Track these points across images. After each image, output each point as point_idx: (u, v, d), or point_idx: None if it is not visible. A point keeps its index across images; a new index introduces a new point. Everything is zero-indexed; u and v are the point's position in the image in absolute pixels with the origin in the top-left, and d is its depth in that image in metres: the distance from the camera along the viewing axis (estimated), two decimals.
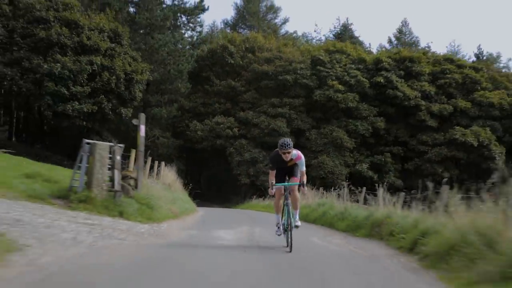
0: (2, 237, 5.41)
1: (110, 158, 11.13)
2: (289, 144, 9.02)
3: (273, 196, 9.64)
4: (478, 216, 6.06)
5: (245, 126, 47.87)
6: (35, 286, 4.39)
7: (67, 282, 4.81)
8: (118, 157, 11.23)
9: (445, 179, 10.76)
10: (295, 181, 9.50)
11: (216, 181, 51.80)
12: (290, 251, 8.52)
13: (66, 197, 10.66)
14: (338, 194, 17.00)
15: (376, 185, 12.75)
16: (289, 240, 8.94)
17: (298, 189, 9.54)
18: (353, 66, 50.11)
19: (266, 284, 5.28)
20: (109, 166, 11.08)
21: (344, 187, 15.83)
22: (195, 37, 57.84)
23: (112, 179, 10.93)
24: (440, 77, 51.15)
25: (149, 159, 19.47)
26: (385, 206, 11.48)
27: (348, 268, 6.63)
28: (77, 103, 41.16)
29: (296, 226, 9.27)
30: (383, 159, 46.83)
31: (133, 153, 13.74)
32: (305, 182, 9.49)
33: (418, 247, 7.27)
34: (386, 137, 49.45)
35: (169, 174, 20.09)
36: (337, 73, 48.99)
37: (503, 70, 67.74)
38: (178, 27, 56.09)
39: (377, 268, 6.71)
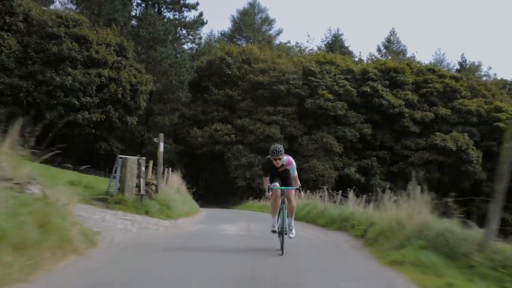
0: (82, 227, 8.10)
1: (137, 168, 13.91)
2: (280, 151, 9.04)
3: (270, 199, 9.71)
4: (401, 210, 8.91)
5: (241, 133, 49.46)
6: (124, 251, 7.09)
7: (140, 248, 7.59)
8: (143, 168, 13.91)
9: (388, 186, 12.89)
10: (292, 188, 9.48)
11: (214, 184, 53.83)
12: (282, 254, 8.60)
13: (104, 199, 13.25)
14: (320, 196, 19.78)
15: (364, 187, 15.25)
16: (282, 243, 8.93)
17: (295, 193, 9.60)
18: (342, 76, 52.07)
19: (257, 250, 8.29)
20: (136, 175, 13.85)
21: (324, 190, 18.63)
22: (195, 49, 59.93)
23: (138, 185, 13.63)
24: (423, 86, 53.13)
25: (161, 167, 22.18)
26: (353, 206, 14.30)
27: (314, 247, 9.45)
28: (86, 112, 43.53)
29: (290, 237, 9.32)
30: (369, 163, 48.79)
31: (150, 163, 16.38)
32: (299, 186, 9.42)
33: (366, 234, 10.07)
34: (373, 142, 51.24)
35: (175, 178, 22.71)
36: (327, 83, 50.77)
37: (484, 78, 70.11)
38: (178, 39, 58.13)
39: (333, 247, 9.69)
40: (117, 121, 45.25)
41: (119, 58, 47.19)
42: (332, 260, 7.75)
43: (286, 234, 8.99)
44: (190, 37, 59.95)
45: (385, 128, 52.08)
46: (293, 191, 9.37)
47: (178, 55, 54.38)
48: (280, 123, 49.73)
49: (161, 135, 15.53)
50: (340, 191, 18.36)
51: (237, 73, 53.89)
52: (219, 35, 76.50)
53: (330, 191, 18.61)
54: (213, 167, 52.05)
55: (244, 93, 53.37)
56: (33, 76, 42.83)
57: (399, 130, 51.37)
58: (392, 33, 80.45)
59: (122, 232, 9.06)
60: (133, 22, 56.18)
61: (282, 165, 9.20)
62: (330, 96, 50.05)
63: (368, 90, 51.03)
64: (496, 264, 5.74)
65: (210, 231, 11.85)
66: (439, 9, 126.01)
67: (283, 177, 9.43)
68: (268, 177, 9.37)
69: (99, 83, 44.28)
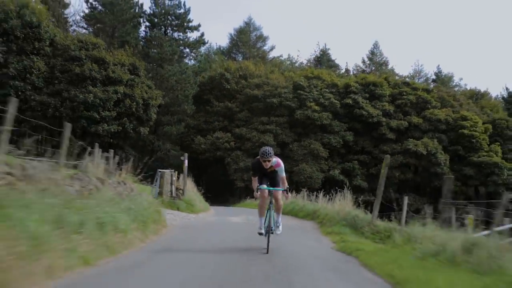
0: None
1: (170, 178, 18.95)
2: (270, 153, 9.10)
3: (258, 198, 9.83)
4: (339, 205, 14.06)
5: (239, 140, 52.37)
6: (182, 228, 12.03)
7: (188, 227, 12.51)
8: (174, 178, 18.96)
9: (347, 186, 17.90)
10: (279, 189, 9.57)
11: (215, 185, 56.70)
12: (267, 253, 8.93)
13: None
14: (302, 196, 24.75)
15: (345, 186, 18.99)
16: (268, 242, 9.15)
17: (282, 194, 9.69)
18: (327, 90, 54.78)
19: (252, 230, 12.90)
20: (170, 183, 18.89)
21: (304, 192, 23.64)
22: (197, 66, 62.50)
23: (171, 190, 18.67)
24: (398, 98, 56.38)
25: (175, 173, 26.94)
26: (321, 203, 19.38)
27: (291, 229, 14.10)
28: (106, 125, 46.46)
29: (277, 233, 9.69)
30: (352, 166, 52.00)
31: (175, 173, 21.37)
32: (286, 187, 9.58)
33: (324, 222, 15.12)
34: (354, 147, 54.20)
35: (189, 183, 27.52)
36: (314, 96, 53.67)
37: (456, 88, 73.77)
38: (183, 57, 60.28)
39: (302, 229, 14.60)
40: (132, 131, 48.03)
41: (132, 76, 49.79)
42: (298, 234, 12.71)
43: (272, 233, 9.36)
44: (193, 55, 62.11)
45: (365, 135, 54.91)
46: (280, 192, 9.54)
47: (183, 73, 55.84)
48: (273, 132, 52.46)
49: (186, 155, 20.36)
50: (315, 192, 23.20)
51: (235, 87, 56.45)
52: (218, 48, 77.87)
53: (309, 192, 23.45)
54: (214, 170, 55.01)
55: (242, 105, 56.19)
56: (59, 93, 45.84)
57: (377, 137, 54.35)
58: (375, 45, 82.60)
59: (172, 220, 13.99)
60: (142, 42, 58.37)
61: (271, 166, 9.35)
62: (316, 107, 52.95)
63: (350, 102, 54.15)
64: (374, 231, 10.94)
65: (222, 221, 16.78)
66: (419, 23, 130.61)
67: (271, 178, 9.60)
68: (257, 177, 9.52)
69: (116, 99, 47.14)
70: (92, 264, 6.34)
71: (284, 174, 9.44)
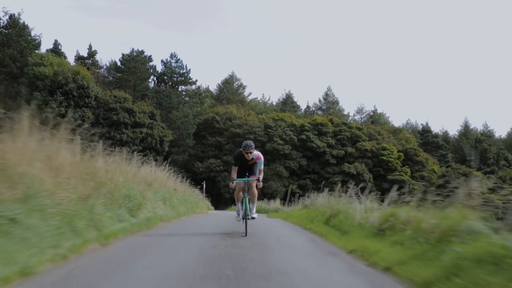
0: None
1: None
2: (251, 146, 9.01)
3: (234, 189, 9.42)
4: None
5: (226, 165, 60.04)
6: (212, 215, 25.12)
7: (212, 214, 25.57)
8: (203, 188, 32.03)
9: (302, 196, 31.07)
10: (253, 177, 9.26)
11: (209, 196, 68.14)
12: (246, 235, 8.79)
13: None
14: (270, 202, 37.58)
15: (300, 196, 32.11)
16: (246, 227, 9.02)
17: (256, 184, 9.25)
18: (288, 128, 64.60)
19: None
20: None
21: (275, 199, 36.63)
22: (196, 110, 69.75)
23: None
24: (338, 134, 66.08)
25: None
26: (281, 206, 32.43)
27: (262, 221, 27.38)
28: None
29: (253, 218, 9.38)
30: (305, 182, 61.65)
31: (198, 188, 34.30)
32: (261, 178, 9.28)
33: (288, 218, 28.24)
34: (307, 169, 63.92)
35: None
36: (279, 133, 63.67)
37: (390, 122, 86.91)
38: (186, 103, 69.08)
39: (271, 219, 27.71)
40: (153, 160, 59.20)
41: (151, 120, 59.60)
42: (270, 221, 25.65)
43: (249, 218, 9.16)
44: (193, 101, 70.01)
45: (315, 161, 64.06)
46: (254, 182, 9.23)
47: (186, 116, 64.44)
48: None
49: (204, 182, 33.17)
50: (286, 200, 35.69)
51: (223, 126, 65.14)
52: (207, 87, 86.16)
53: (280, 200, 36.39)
54: (208, 185, 66.31)
55: (228, 139, 64.03)
56: (103, 135, 57.02)
57: (323, 162, 63.87)
58: (329, 89, 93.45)
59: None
60: (156, 95, 66.79)
61: (252, 158, 9.21)
62: (280, 141, 62.68)
63: (304, 137, 63.92)
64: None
65: (223, 214, 29.52)
66: (362, 71, 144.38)
67: (250, 169, 9.41)
68: (237, 168, 9.34)
69: (141, 137, 57.67)
70: (180, 218, 19.30)
71: (262, 167, 9.30)
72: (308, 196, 24.36)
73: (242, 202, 9.41)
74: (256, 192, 9.44)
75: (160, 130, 60.56)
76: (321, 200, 16.95)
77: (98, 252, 6.22)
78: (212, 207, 37.70)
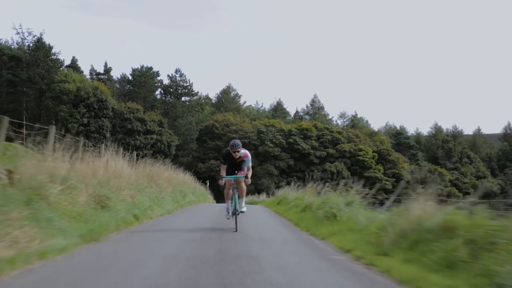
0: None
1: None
2: (238, 145, 8.83)
3: (224, 186, 9.24)
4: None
5: None
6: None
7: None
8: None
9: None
10: (242, 174, 9.16)
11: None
12: (236, 231, 8.73)
13: None
14: (260, 196, 43.63)
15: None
16: (236, 222, 8.91)
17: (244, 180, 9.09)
18: (278, 133, 68.72)
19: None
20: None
21: (262, 193, 42.73)
22: (198, 117, 75.52)
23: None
24: (321, 137, 70.49)
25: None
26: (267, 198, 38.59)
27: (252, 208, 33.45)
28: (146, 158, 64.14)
29: (242, 211, 9.29)
30: (292, 180, 66.74)
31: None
32: (250, 175, 9.13)
33: (265, 204, 34.38)
34: (294, 168, 67.48)
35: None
36: (270, 137, 67.97)
37: (370, 125, 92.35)
38: (190, 112, 74.51)
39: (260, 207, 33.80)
40: (161, 162, 64.91)
41: (160, 128, 64.58)
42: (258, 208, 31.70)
43: (238, 214, 9.04)
44: (196, 109, 75.04)
45: (301, 161, 68.35)
46: (242, 178, 9.12)
47: (189, 123, 69.79)
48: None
49: (208, 180, 39.14)
50: (270, 194, 41.84)
51: (221, 131, 68.39)
52: (207, 95, 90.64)
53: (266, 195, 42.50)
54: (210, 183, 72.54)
55: (226, 143, 62.18)
56: (119, 141, 60.20)
57: (308, 162, 68.16)
58: (315, 96, 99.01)
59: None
60: (163, 105, 72.31)
61: (240, 157, 9.06)
62: (271, 145, 67.35)
63: (291, 141, 68.51)
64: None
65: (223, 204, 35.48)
66: (346, 77, 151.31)
67: (239, 166, 9.28)
68: (226, 166, 9.16)
69: (152, 143, 62.66)
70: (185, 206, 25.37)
71: (250, 164, 9.21)
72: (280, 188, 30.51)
73: (232, 200, 9.25)
74: (245, 187, 9.30)
75: (168, 136, 65.85)
76: (281, 192, 23.47)
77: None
78: (214, 201, 43.45)
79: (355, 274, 5.40)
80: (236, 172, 9.33)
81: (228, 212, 9.39)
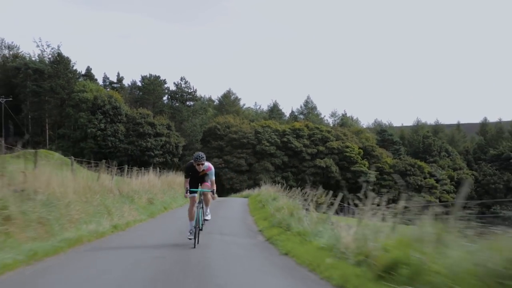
0: None
1: None
2: (202, 157, 8.35)
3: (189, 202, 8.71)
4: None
5: (226, 163, 69.16)
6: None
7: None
8: None
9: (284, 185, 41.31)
10: (206, 186, 8.69)
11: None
12: (194, 247, 8.20)
13: None
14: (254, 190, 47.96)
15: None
16: (198, 237, 8.43)
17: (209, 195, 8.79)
18: (273, 133, 72.49)
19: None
20: None
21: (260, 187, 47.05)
22: (201, 119, 79.52)
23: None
24: (312, 136, 73.99)
25: None
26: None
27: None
28: (157, 158, 65.55)
29: (206, 219, 8.89)
30: (287, 174, 70.14)
31: None
32: (214, 189, 8.70)
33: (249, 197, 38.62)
34: (288, 164, 71.91)
35: None
36: (266, 137, 71.72)
37: (360, 123, 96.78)
38: (194, 115, 78.70)
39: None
40: (170, 161, 66.92)
41: (168, 131, 68.50)
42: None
43: (201, 230, 8.56)
44: (199, 113, 79.31)
45: (294, 158, 72.50)
46: (208, 193, 8.69)
47: (194, 126, 74.10)
48: (244, 158, 70.24)
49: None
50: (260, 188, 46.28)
51: (223, 133, 72.01)
52: (209, 98, 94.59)
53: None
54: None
55: (227, 143, 71.76)
56: (133, 143, 64.90)
57: (300, 158, 71.97)
58: (308, 97, 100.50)
59: None
60: (170, 110, 76.26)
61: (203, 170, 8.54)
62: (267, 144, 71.12)
63: (286, 140, 72.44)
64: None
65: (226, 198, 39.48)
66: (337, 78, 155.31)
67: (202, 180, 8.77)
68: (189, 179, 8.59)
69: (161, 144, 66.37)
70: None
71: (213, 178, 8.69)
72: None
73: (195, 218, 8.56)
74: (210, 198, 8.86)
75: (175, 138, 70.06)
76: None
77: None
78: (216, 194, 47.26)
79: None
80: (200, 185, 8.86)
81: (191, 233, 8.60)
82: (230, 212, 19.44)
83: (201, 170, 8.58)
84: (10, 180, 8.47)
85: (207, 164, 8.74)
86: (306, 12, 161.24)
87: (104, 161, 16.47)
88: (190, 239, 8.51)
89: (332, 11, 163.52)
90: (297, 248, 8.64)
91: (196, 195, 8.63)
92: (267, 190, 28.54)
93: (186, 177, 8.78)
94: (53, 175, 10.34)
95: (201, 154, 8.62)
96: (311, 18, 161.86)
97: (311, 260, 7.04)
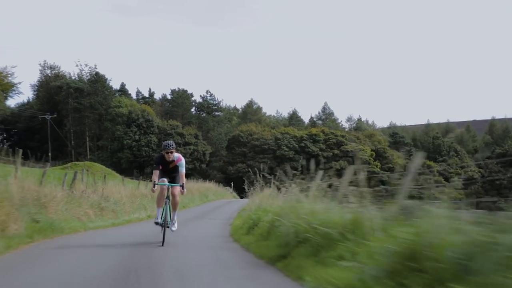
0: None
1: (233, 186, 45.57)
2: (171, 145, 7.76)
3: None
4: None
5: (249, 168, 73.03)
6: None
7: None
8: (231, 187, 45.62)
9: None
10: (177, 184, 7.80)
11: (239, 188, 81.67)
12: (162, 245, 7.35)
13: None
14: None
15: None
16: (164, 236, 7.51)
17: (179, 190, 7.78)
18: (292, 139, 72.96)
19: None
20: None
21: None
22: (226, 127, 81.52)
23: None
24: (328, 141, 74.48)
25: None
26: None
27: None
28: (187, 165, 71.61)
29: (172, 230, 7.98)
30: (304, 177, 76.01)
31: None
32: (184, 183, 7.76)
33: None
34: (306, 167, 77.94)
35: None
36: (285, 142, 73.16)
37: (376, 126, 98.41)
38: (219, 125, 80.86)
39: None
40: (198, 167, 69.54)
41: (196, 140, 70.89)
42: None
43: (168, 227, 7.70)
44: (223, 123, 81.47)
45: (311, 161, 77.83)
46: (178, 188, 7.76)
47: (220, 134, 76.13)
48: (266, 162, 68.41)
49: (232, 182, 46.46)
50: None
51: (246, 140, 72.38)
52: (234, 107, 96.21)
53: None
54: (238, 182, 79.47)
55: (250, 149, 72.22)
56: (149, 146, 69.46)
57: (317, 161, 75.58)
58: (326, 104, 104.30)
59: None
60: (198, 120, 78.82)
61: (173, 160, 7.84)
62: (286, 149, 72.53)
63: (303, 144, 73.63)
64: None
65: (238, 200, 42.42)
66: (354, 84, 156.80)
67: (172, 174, 7.97)
68: (158, 171, 7.77)
69: (190, 152, 68.65)
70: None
71: (184, 170, 7.83)
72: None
73: (163, 208, 7.84)
74: (178, 201, 8.07)
75: (203, 146, 72.61)
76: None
77: (205, 204, 21.58)
78: (238, 197, 46.09)
79: None
80: (169, 180, 8.01)
81: (158, 218, 7.90)
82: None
83: (170, 159, 7.82)
84: (94, 189, 15.24)
85: (177, 154, 8.02)
86: (320, 19, 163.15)
87: (141, 177, 20.71)
88: (156, 223, 7.86)
89: (343, 20, 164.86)
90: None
91: (165, 185, 7.80)
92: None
93: (154, 169, 7.87)
94: (114, 187, 17.87)
95: (171, 142, 8.00)
96: (325, 25, 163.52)
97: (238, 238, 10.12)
